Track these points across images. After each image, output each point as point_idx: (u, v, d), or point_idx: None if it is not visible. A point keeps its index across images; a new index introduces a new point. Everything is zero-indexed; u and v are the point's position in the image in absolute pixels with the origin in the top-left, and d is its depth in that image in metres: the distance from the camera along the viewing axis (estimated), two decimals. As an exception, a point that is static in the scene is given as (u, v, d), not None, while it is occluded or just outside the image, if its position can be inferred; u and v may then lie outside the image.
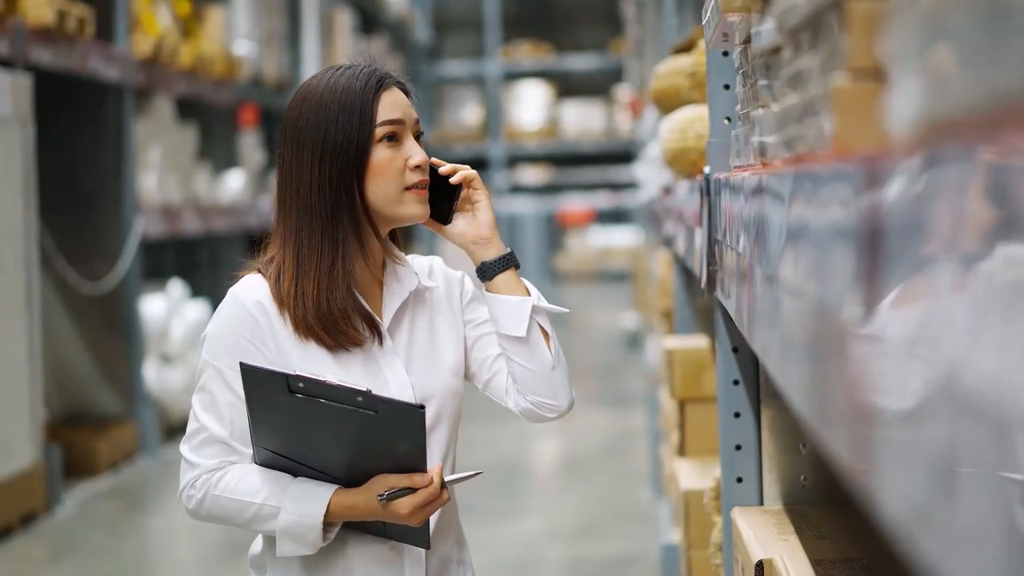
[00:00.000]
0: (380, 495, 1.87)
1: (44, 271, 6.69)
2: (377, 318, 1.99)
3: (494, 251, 2.03)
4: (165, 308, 7.70)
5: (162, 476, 6.83)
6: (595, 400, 9.03)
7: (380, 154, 1.95)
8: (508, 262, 2.03)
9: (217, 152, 9.29)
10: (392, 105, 1.97)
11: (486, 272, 2.03)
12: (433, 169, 2.02)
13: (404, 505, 1.87)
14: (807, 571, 1.73)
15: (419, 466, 1.88)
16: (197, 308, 8.02)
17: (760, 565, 1.77)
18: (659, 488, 5.48)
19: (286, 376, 1.82)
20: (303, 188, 1.95)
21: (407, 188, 1.96)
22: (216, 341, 1.95)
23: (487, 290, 2.04)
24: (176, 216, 7.94)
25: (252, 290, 1.96)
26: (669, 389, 3.81)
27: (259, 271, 1.98)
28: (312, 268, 1.94)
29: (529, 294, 2.03)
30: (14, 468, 5.66)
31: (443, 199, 2.03)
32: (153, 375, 7.45)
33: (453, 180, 2.02)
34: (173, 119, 8.33)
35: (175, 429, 7.50)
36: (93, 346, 7.20)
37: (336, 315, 1.93)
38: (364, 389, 1.81)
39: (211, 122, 9.27)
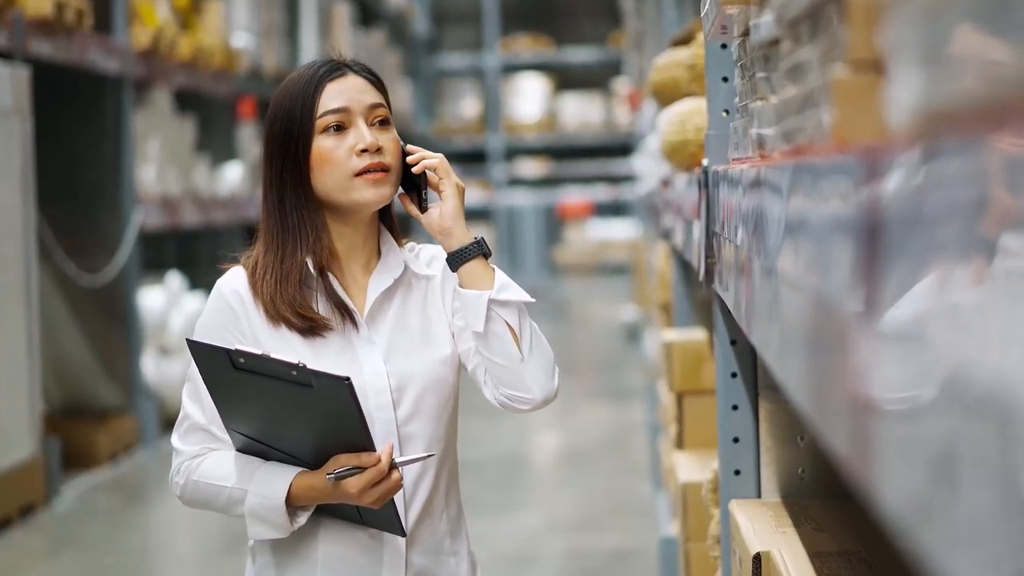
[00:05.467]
0: (329, 474, 1.88)
1: (43, 263, 6.68)
2: (351, 304, 2.00)
3: (456, 241, 1.99)
4: (164, 300, 7.70)
5: (161, 468, 6.83)
6: (594, 393, 9.04)
7: (322, 144, 1.96)
8: (471, 252, 1.99)
9: (216, 144, 9.28)
10: (337, 93, 1.97)
11: (451, 263, 2.00)
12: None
13: (352, 485, 1.87)
14: (805, 564, 1.73)
15: (367, 443, 1.88)
16: (196, 300, 8.02)
17: (758, 558, 1.77)
18: (658, 481, 5.48)
19: (227, 351, 1.85)
20: (263, 184, 2.02)
21: (357, 174, 1.95)
22: (201, 331, 2.00)
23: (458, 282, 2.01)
24: (175, 208, 7.93)
25: (231, 280, 2.00)
26: (667, 382, 3.81)
27: (242, 263, 2.02)
28: (271, 260, 1.98)
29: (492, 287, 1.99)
30: (13, 460, 5.66)
31: (416, 187, 2.02)
32: (152, 367, 7.45)
33: (415, 170, 2.00)
34: (172, 111, 8.32)
35: (174, 421, 7.48)
36: (92, 338, 7.20)
37: (291, 303, 1.96)
38: (297, 362, 1.81)
39: (210, 114, 9.26)
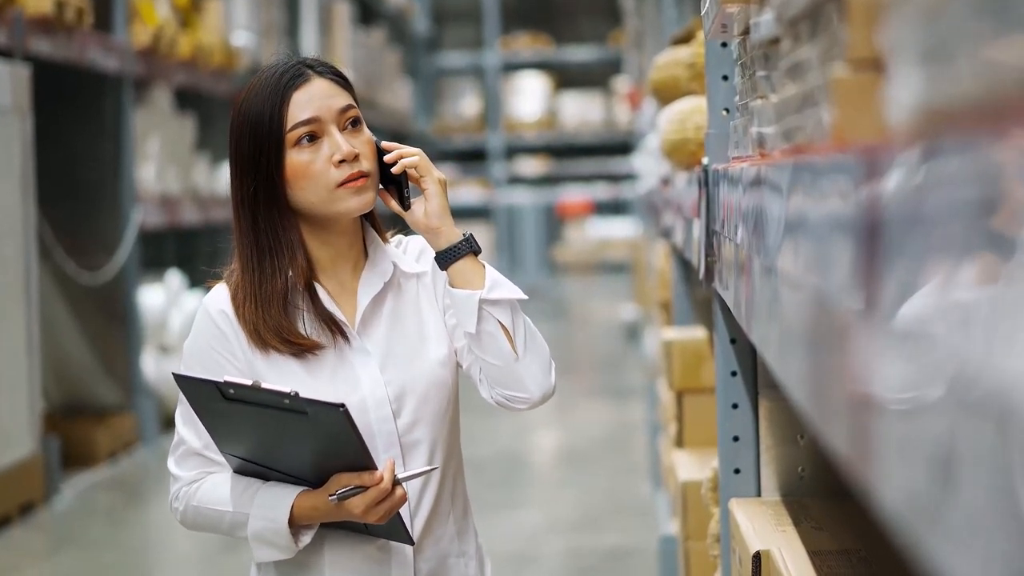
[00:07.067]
0: (331, 495, 1.84)
1: (43, 262, 6.69)
2: (341, 318, 1.94)
3: (444, 240, 1.91)
4: (163, 299, 7.70)
5: (161, 467, 6.81)
6: (594, 392, 9.04)
7: (297, 159, 1.88)
8: (460, 251, 1.91)
9: (216, 143, 9.27)
10: (305, 103, 1.88)
11: (439, 262, 1.93)
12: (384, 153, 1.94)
13: (356, 504, 1.84)
14: (804, 562, 1.73)
15: (368, 463, 1.84)
16: (196, 299, 8.02)
17: (757, 556, 1.77)
18: (658, 480, 5.48)
19: (216, 383, 1.81)
20: (234, 202, 1.95)
21: (338, 185, 1.87)
22: (190, 355, 1.95)
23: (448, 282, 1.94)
24: (175, 207, 7.93)
25: (217, 300, 1.95)
26: (667, 381, 3.81)
27: (224, 280, 1.97)
28: (249, 282, 1.92)
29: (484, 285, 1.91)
30: (13, 459, 5.66)
31: (396, 182, 1.94)
32: (152, 366, 7.45)
33: (395, 170, 1.92)
34: (172, 110, 8.32)
35: (174, 420, 7.48)
36: (92, 337, 7.20)
37: (275, 328, 1.90)
38: (290, 391, 1.76)
39: (210, 113, 9.26)
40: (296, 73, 1.91)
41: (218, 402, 1.83)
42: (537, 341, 1.94)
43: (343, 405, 1.76)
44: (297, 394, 1.76)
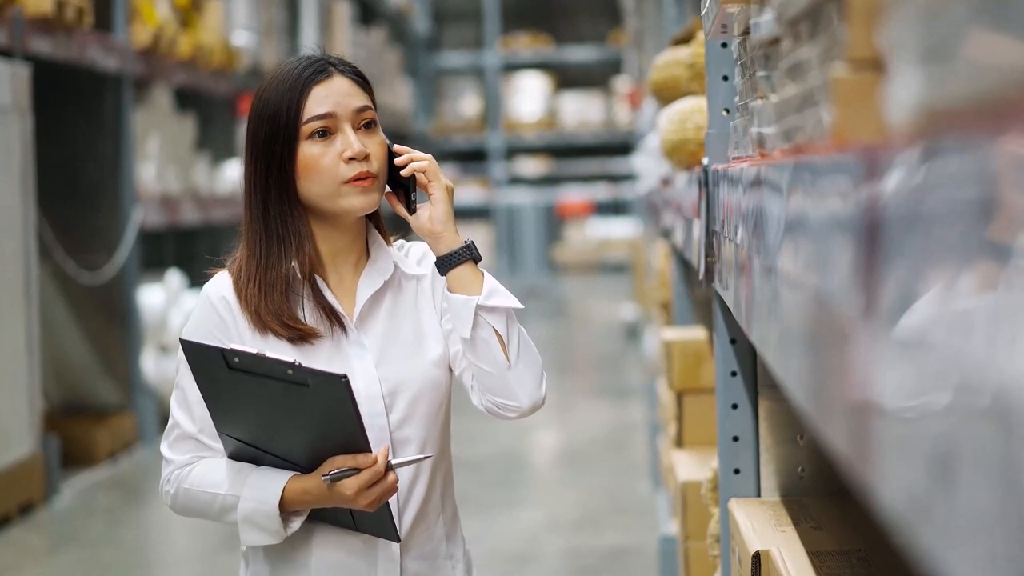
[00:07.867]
0: (324, 475, 1.86)
1: (43, 261, 6.69)
2: (340, 309, 1.96)
3: (445, 246, 1.94)
4: (163, 299, 7.70)
5: (160, 467, 6.82)
6: (594, 392, 9.04)
7: (308, 151, 1.91)
8: (460, 257, 1.94)
9: (216, 142, 9.28)
10: (323, 98, 1.92)
11: (439, 267, 1.95)
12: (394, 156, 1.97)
13: (349, 486, 1.85)
14: (804, 563, 1.73)
15: (363, 444, 1.85)
16: (195, 298, 8.01)
17: (757, 556, 1.77)
18: (657, 480, 5.48)
19: (222, 350, 1.83)
20: (246, 188, 1.97)
21: (345, 182, 1.91)
22: (189, 338, 1.96)
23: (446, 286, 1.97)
24: (175, 206, 7.93)
25: (218, 287, 1.97)
26: (667, 381, 3.81)
27: (227, 268, 1.99)
28: (254, 266, 1.94)
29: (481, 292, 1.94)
30: (12, 458, 5.66)
31: (403, 186, 1.98)
32: (151, 366, 7.45)
33: (404, 173, 1.95)
34: (172, 109, 8.32)
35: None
36: (92, 336, 7.20)
37: (276, 312, 1.93)
38: (293, 361, 1.78)
39: (210, 112, 9.26)
40: (318, 68, 1.94)
41: (221, 372, 1.84)
42: (531, 352, 1.96)
43: (345, 376, 1.78)
44: (300, 364, 1.79)
